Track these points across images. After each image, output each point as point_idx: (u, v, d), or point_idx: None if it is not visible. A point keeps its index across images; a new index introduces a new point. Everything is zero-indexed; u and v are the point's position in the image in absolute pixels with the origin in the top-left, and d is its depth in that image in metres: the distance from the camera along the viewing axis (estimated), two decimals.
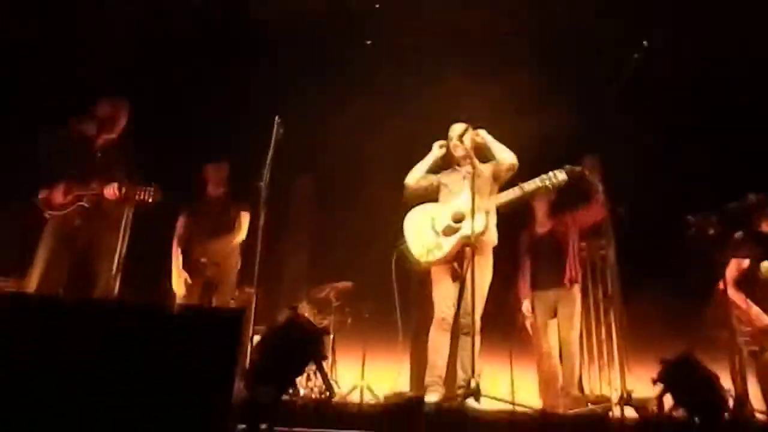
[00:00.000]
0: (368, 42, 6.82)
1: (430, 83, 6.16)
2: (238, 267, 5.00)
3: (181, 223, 5.07)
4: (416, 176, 4.30)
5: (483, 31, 6.58)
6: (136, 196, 4.09)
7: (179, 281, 4.81)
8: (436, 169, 4.36)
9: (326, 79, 6.28)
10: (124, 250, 5.38)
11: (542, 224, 4.89)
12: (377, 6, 6.57)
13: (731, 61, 6.55)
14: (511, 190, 4.00)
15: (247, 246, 4.92)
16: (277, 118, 3.97)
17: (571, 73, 6.41)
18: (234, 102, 6.34)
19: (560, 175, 3.98)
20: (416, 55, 6.59)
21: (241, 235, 4.99)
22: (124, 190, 4.07)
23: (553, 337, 4.66)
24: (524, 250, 4.92)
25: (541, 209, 4.88)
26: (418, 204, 4.22)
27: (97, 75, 5.59)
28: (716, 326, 4.43)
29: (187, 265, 4.86)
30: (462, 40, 6.60)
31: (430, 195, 4.32)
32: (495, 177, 4.16)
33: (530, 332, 4.93)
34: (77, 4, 6.00)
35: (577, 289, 4.67)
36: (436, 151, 4.33)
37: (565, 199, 4.85)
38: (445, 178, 4.29)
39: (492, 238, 4.03)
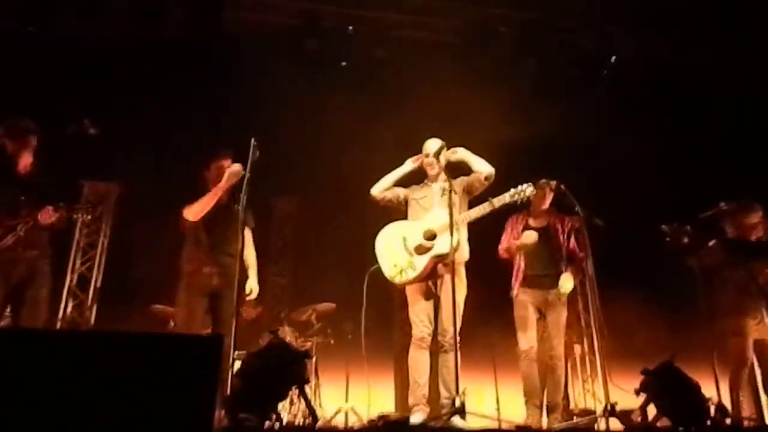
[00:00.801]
0: (343, 63, 6.88)
1: (410, 101, 6.21)
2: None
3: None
4: (381, 187, 4.27)
5: (460, 44, 6.69)
6: (73, 216, 4.05)
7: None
8: (405, 182, 4.34)
9: (305, 100, 6.29)
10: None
11: (537, 218, 4.76)
12: (350, 28, 6.65)
13: (705, 70, 6.74)
14: (482, 206, 4.00)
15: None
16: (252, 140, 3.93)
17: (548, 83, 6.50)
18: (210, 122, 6.33)
19: (529, 189, 4.02)
20: (394, 73, 6.65)
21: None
22: (59, 213, 3.99)
23: (532, 335, 4.57)
24: (513, 250, 4.71)
25: (538, 203, 4.69)
26: (388, 221, 4.20)
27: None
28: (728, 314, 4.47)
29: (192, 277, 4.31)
30: (438, 54, 6.71)
31: (396, 207, 4.29)
32: (468, 190, 4.17)
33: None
34: (49, 15, 5.98)
35: (565, 299, 4.60)
36: (408, 165, 4.31)
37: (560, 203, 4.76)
38: (415, 193, 4.26)
39: (464, 253, 4.04)
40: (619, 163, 6.28)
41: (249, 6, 6.41)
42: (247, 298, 4.48)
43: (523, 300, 4.60)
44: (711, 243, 4.54)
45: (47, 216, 4.00)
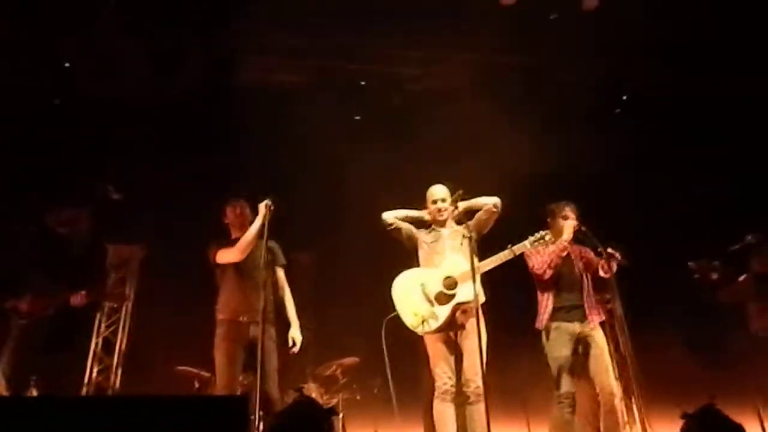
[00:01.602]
0: (357, 117, 7.02)
1: (425, 148, 6.27)
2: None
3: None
4: (394, 214, 4.25)
5: (470, 90, 6.80)
6: (103, 303, 4.22)
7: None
8: (414, 224, 4.32)
9: (320, 154, 6.39)
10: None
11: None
12: (363, 83, 6.82)
13: (725, 98, 6.74)
14: (502, 253, 3.97)
15: None
16: (267, 200, 3.99)
17: (560, 119, 6.54)
18: (228, 179, 6.44)
19: (547, 237, 4.05)
20: (407, 122, 6.76)
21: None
22: (89, 299, 4.26)
23: (571, 376, 4.15)
24: (553, 256, 4.33)
25: (568, 231, 4.37)
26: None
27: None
28: None
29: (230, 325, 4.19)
30: (449, 100, 6.82)
31: (405, 242, 4.27)
32: (479, 229, 4.11)
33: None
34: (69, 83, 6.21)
35: (601, 330, 4.30)
36: (424, 214, 4.30)
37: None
38: (424, 236, 4.23)
39: (482, 298, 3.96)
40: (639, 199, 6.24)
41: (264, 65, 6.61)
42: (294, 350, 4.29)
43: (558, 337, 4.22)
44: (741, 278, 4.44)
45: (78, 300, 4.29)
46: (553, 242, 4.26)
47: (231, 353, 4.05)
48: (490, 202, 4.12)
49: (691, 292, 4.37)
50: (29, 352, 4.18)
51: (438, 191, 4.28)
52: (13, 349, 4.14)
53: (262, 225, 4.10)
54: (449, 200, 4.20)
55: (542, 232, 4.01)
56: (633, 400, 5.79)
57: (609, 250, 4.17)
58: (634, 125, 6.85)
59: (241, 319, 4.11)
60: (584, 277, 4.37)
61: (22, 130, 5.78)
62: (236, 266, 4.23)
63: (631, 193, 6.31)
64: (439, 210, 4.21)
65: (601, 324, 4.32)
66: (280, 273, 4.47)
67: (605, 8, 6.07)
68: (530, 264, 4.42)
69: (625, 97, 7.16)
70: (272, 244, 4.38)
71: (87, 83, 6.08)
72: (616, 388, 4.12)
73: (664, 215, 6.34)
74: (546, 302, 4.35)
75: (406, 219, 4.28)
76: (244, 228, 4.30)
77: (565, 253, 4.32)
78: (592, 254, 4.45)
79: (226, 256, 4.20)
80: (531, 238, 4.01)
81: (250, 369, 4.10)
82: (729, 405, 3.51)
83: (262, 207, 4.17)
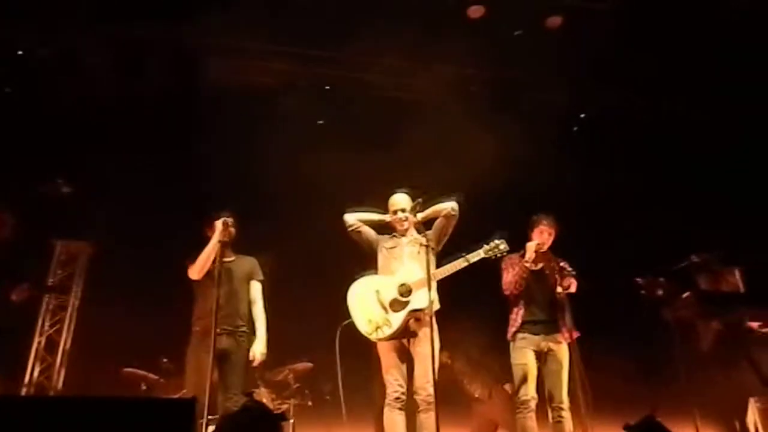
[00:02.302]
0: (320, 122, 7.00)
1: (388, 156, 6.29)
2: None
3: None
4: (358, 216, 4.25)
5: (437, 102, 6.87)
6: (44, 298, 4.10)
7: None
8: (375, 228, 4.33)
9: (280, 157, 6.34)
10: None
11: (535, 261, 4.49)
12: (327, 87, 6.81)
13: (680, 121, 7.00)
14: (456, 261, 4.00)
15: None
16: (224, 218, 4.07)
17: (524, 136, 6.66)
18: (185, 181, 6.34)
19: (502, 246, 4.09)
20: (371, 131, 6.76)
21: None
22: (30, 293, 4.17)
23: (533, 385, 4.29)
24: (517, 278, 4.42)
25: (541, 246, 4.47)
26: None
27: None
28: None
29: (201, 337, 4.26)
30: (414, 111, 6.87)
31: (359, 242, 4.27)
32: (439, 237, 4.15)
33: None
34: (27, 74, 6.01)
35: (566, 346, 4.39)
36: (386, 218, 4.28)
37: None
38: (384, 242, 4.23)
39: (436, 305, 3.98)
40: (593, 216, 6.41)
41: (227, 67, 6.52)
42: (253, 364, 4.39)
43: (523, 347, 4.35)
44: (685, 295, 4.60)
45: (20, 295, 4.15)
46: (522, 255, 4.40)
47: (196, 363, 4.11)
48: (447, 206, 4.15)
49: (636, 308, 4.51)
50: None
51: (399, 200, 4.27)
52: None
53: (219, 242, 4.17)
54: (409, 209, 4.20)
55: (497, 241, 4.06)
56: (581, 410, 5.92)
57: (563, 266, 4.27)
58: (591, 145, 7.05)
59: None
60: (556, 292, 4.39)
61: None
62: (206, 280, 4.25)
63: (585, 210, 6.46)
64: (400, 220, 4.21)
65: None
66: (255, 287, 4.55)
67: (569, 28, 6.23)
68: (502, 278, 4.53)
69: (582, 116, 7.36)
70: (249, 259, 4.56)
71: (44, 75, 5.90)
72: (566, 403, 4.25)
73: (616, 233, 6.53)
74: (515, 315, 4.46)
75: (368, 222, 4.29)
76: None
77: (526, 274, 4.39)
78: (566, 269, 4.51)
79: (190, 272, 4.29)
80: (486, 247, 4.06)
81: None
82: (669, 417, 3.64)
83: (218, 224, 4.22)
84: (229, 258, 4.38)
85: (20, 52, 5.92)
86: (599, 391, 4.89)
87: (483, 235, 4.19)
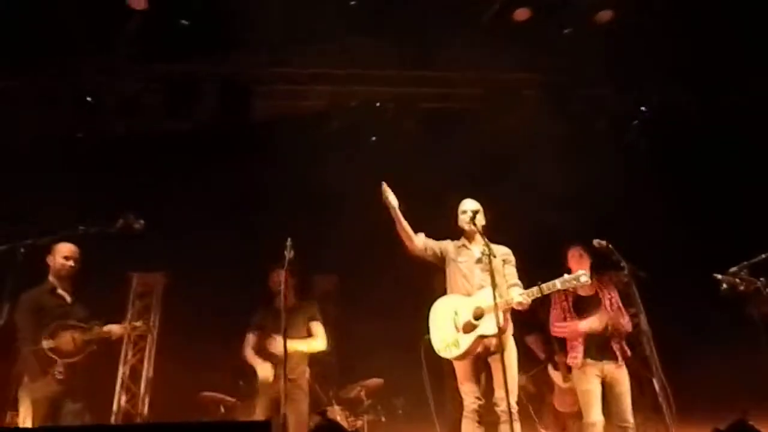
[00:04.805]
0: (373, 138, 7.07)
1: (442, 169, 6.28)
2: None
3: (251, 339, 4.85)
4: (415, 239, 4.22)
5: (485, 111, 6.80)
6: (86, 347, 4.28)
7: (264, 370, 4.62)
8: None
9: (337, 177, 6.43)
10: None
11: (585, 288, 4.58)
12: (378, 104, 6.87)
13: (740, 114, 6.66)
14: (530, 290, 3.91)
15: None
16: (288, 240, 4.08)
17: (576, 139, 6.51)
18: (248, 207, 6.53)
19: (583, 278, 3.94)
20: (423, 143, 6.77)
21: (316, 344, 4.82)
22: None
23: (599, 408, 4.37)
24: (571, 312, 4.58)
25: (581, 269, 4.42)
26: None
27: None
28: None
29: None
30: (465, 121, 6.83)
31: (433, 260, 4.26)
32: (505, 261, 4.14)
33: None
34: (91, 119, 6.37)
35: (625, 368, 4.49)
36: (394, 202, 4.22)
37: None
38: (454, 253, 4.20)
39: (510, 329, 3.97)
40: (658, 215, 6.17)
41: (278, 93, 6.70)
42: None
43: (587, 372, 4.43)
44: None
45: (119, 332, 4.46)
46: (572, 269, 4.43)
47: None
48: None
49: (716, 305, 4.29)
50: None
51: (470, 202, 4.27)
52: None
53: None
54: (480, 213, 4.16)
55: (578, 273, 3.94)
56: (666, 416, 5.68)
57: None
58: (652, 139, 6.80)
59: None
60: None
61: (45, 162, 5.95)
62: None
63: (653, 208, 6.23)
64: (467, 222, 4.14)
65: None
66: (318, 327, 4.87)
67: (619, 23, 6.05)
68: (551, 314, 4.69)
69: (643, 108, 7.10)
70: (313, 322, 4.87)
71: (106, 119, 6.26)
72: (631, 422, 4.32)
73: (687, 230, 6.25)
74: (574, 342, 4.53)
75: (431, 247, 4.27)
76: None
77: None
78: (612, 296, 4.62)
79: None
80: (566, 276, 3.93)
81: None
82: (763, 420, 3.44)
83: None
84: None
85: (89, 99, 6.29)
86: (686, 394, 4.70)
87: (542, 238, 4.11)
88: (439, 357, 4.02)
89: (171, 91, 6.26)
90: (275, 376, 4.51)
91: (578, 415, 4.70)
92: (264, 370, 4.55)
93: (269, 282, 4.83)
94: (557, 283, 3.91)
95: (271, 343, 4.57)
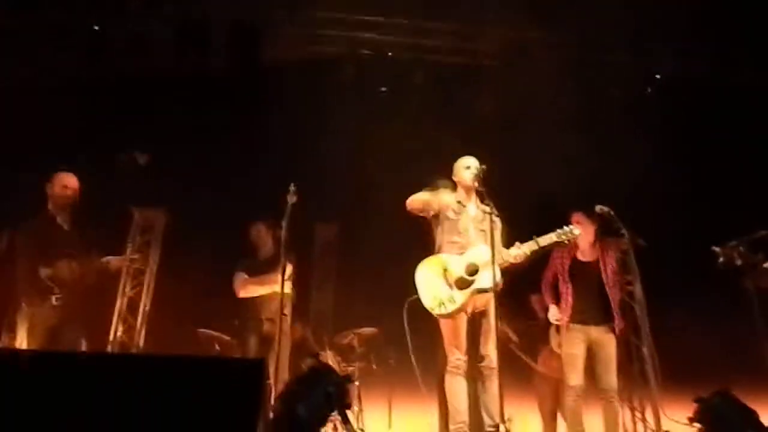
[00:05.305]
0: (383, 89, 6.97)
1: (450, 124, 6.21)
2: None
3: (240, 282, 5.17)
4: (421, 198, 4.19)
5: (498, 67, 6.69)
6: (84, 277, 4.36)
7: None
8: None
9: (345, 127, 6.39)
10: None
11: (585, 253, 4.70)
12: (390, 54, 6.74)
13: (753, 86, 6.54)
14: (526, 244, 3.96)
15: None
16: (291, 186, 4.06)
17: (588, 104, 6.42)
18: (253, 150, 6.50)
19: (576, 230, 4.05)
20: (433, 98, 6.68)
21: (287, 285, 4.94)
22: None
23: (581, 373, 4.49)
24: (565, 274, 4.67)
25: (586, 238, 4.61)
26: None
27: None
28: None
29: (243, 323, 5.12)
30: (476, 78, 6.72)
31: (428, 216, 4.23)
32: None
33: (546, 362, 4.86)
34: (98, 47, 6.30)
35: (614, 334, 4.57)
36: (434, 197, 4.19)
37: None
38: (448, 210, 4.14)
39: (501, 284, 3.98)
40: (665, 184, 6.14)
41: (288, 37, 6.58)
42: None
43: (573, 336, 4.53)
44: (766, 264, 4.36)
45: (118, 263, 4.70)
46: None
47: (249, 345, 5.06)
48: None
49: (713, 278, 4.31)
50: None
51: (470, 159, 4.22)
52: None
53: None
54: (478, 170, 4.07)
55: (570, 227, 4.02)
56: (649, 383, 5.80)
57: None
58: (664, 110, 6.69)
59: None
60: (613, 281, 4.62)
61: (53, 95, 5.89)
62: None
63: (659, 177, 6.18)
64: (475, 176, 4.06)
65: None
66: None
67: None
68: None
69: (658, 76, 6.97)
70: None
71: (116, 57, 6.19)
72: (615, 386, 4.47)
73: (692, 201, 6.23)
74: (565, 305, 4.63)
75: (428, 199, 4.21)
76: (265, 247, 5.26)
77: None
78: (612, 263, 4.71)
79: (237, 290, 5.17)
80: (558, 231, 4.02)
81: None
82: (748, 392, 3.50)
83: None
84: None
85: (96, 28, 6.18)
86: (674, 363, 4.78)
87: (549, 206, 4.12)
88: (433, 318, 4.06)
89: (181, 32, 6.19)
90: (259, 319, 4.95)
91: (560, 381, 4.80)
92: (260, 290, 4.96)
93: (249, 236, 5.21)
94: (553, 236, 3.99)
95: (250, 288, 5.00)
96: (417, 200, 4.18)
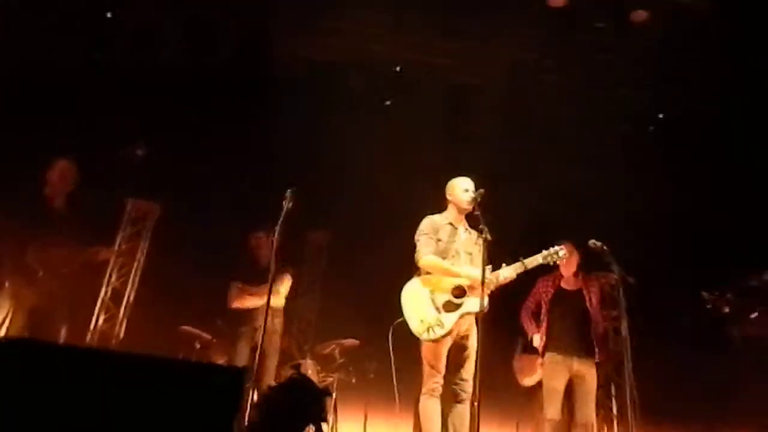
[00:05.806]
0: (387, 102, 6.98)
1: (451, 143, 6.23)
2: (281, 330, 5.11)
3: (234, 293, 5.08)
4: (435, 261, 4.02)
5: (504, 91, 6.72)
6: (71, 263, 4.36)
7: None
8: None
9: (346, 135, 6.38)
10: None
11: (569, 282, 4.73)
12: (398, 69, 6.76)
13: (748, 129, 6.57)
14: (513, 266, 3.91)
15: None
16: (289, 190, 4.02)
17: (580, 139, 6.45)
18: (252, 152, 6.49)
19: (561, 252, 3.99)
20: (436, 114, 6.70)
21: (280, 298, 5.04)
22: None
23: (559, 405, 4.48)
24: (546, 302, 4.70)
25: (568, 266, 4.67)
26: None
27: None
28: None
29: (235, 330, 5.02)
30: (481, 98, 6.75)
31: None
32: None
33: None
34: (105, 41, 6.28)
35: (595, 366, 4.57)
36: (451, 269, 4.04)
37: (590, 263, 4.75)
38: (441, 232, 4.05)
39: (487, 308, 3.94)
40: (660, 223, 6.15)
41: (297, 43, 6.58)
42: None
43: (555, 368, 4.53)
44: (754, 315, 4.38)
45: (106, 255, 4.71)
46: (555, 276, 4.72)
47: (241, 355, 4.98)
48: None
49: (701, 322, 4.32)
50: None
51: (468, 181, 4.13)
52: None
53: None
54: (476, 194, 3.97)
55: (556, 248, 3.97)
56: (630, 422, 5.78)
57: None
58: (662, 148, 6.73)
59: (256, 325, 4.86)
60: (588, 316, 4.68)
61: (58, 84, 5.87)
62: None
63: (652, 215, 6.20)
64: (473, 199, 3.96)
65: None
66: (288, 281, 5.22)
67: (654, 24, 5.92)
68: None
69: (661, 116, 7.01)
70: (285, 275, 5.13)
71: (123, 49, 6.19)
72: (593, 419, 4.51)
73: (685, 243, 6.24)
74: (544, 335, 4.69)
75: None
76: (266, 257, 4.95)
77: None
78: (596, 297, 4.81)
79: (231, 302, 5.06)
80: (544, 252, 3.97)
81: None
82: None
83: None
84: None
85: (109, 15, 6.17)
86: (655, 405, 4.77)
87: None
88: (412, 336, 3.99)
89: (189, 29, 6.20)
90: (253, 327, 4.85)
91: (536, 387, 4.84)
92: (257, 302, 4.85)
93: (248, 245, 5.17)
94: (539, 258, 3.95)
95: (245, 298, 4.92)
96: (432, 267, 4.03)
